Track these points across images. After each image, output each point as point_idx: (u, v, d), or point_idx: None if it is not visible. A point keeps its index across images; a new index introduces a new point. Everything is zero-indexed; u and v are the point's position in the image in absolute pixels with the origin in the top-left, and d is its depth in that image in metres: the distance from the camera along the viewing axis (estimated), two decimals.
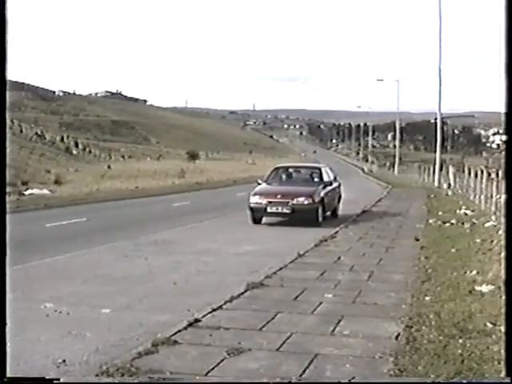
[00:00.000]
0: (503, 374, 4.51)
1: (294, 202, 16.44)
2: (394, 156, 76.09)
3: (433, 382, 4.83)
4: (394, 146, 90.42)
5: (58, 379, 4.40)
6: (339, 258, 10.89)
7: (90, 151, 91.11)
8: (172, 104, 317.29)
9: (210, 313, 6.84)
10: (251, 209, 16.87)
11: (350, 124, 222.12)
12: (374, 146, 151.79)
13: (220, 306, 7.14)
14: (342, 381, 4.77)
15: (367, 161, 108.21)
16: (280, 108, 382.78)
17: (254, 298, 7.64)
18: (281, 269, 9.70)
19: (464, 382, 4.82)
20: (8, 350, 4.12)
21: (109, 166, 63.78)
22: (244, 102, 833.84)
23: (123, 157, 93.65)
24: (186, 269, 10.22)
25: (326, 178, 18.39)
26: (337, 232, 14.70)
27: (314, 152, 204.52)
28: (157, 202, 27.39)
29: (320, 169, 19.15)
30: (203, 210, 22.18)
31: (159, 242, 13.45)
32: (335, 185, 19.18)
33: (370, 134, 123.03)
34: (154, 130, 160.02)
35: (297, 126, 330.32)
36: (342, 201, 20.22)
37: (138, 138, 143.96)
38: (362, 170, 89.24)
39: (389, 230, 15.86)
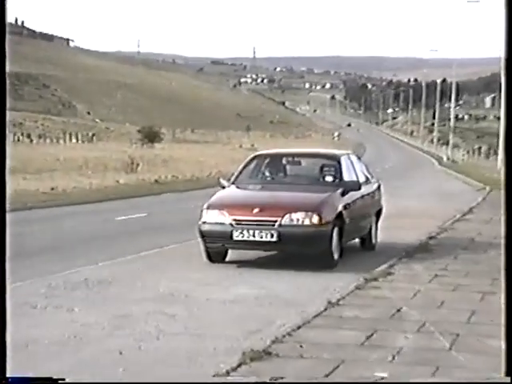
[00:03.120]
0: (503, 373, 5.74)
1: (285, 221, 14.48)
2: (497, 135, 75.93)
3: (433, 382, 6.33)
4: (498, 118, 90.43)
5: (63, 379, 5.23)
6: (399, 310, 10.92)
7: None
8: (114, 47, 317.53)
9: None
10: (203, 235, 15.22)
11: (416, 81, 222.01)
12: (459, 119, 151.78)
13: None
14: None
15: (447, 144, 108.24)
16: (297, 55, 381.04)
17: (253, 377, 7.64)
18: (299, 327, 9.74)
19: (464, 382, 6.61)
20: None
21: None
22: (237, 45, 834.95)
23: (29, 136, 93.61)
24: (139, 328, 10.23)
25: (348, 177, 16.24)
26: (392, 266, 14.70)
27: (348, 125, 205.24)
28: (89, 213, 27.49)
29: (338, 158, 16.76)
30: (166, 227, 22.25)
31: (92, 281, 13.46)
32: (369, 188, 17.56)
33: (453, 97, 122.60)
34: (83, 90, 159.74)
35: (326, 86, 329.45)
36: (382, 217, 18.74)
37: (56, 105, 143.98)
38: (439, 160, 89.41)
39: (485, 262, 15.76)
